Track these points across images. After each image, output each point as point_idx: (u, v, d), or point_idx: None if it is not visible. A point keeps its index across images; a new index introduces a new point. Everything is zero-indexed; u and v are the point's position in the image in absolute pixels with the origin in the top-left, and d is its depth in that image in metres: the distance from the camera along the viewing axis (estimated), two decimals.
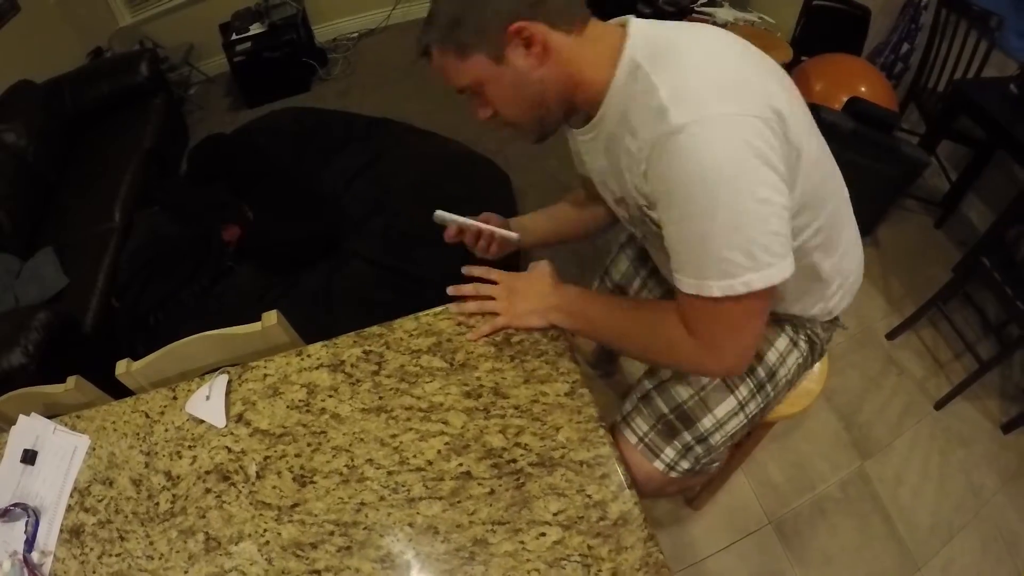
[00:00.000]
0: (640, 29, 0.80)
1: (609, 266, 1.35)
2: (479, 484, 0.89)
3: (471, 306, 1.05)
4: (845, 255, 0.96)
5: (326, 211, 2.05)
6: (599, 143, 0.89)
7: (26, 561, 0.93)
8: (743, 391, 1.02)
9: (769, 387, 1.05)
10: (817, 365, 1.23)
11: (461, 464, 0.91)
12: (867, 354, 2.14)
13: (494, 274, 1.06)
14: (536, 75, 0.80)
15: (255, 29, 3.04)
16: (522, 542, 0.84)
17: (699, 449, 1.02)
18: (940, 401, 2.01)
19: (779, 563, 1.72)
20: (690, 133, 0.68)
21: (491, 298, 1.04)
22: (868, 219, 2.31)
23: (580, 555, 0.83)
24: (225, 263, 1.96)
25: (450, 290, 1.06)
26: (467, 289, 1.05)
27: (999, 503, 1.84)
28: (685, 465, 1.03)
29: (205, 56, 3.44)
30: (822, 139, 0.86)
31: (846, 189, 0.94)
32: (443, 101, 2.93)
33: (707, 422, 1.02)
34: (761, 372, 1.03)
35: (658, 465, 1.03)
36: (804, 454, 1.91)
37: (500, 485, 0.89)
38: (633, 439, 1.04)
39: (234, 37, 3.05)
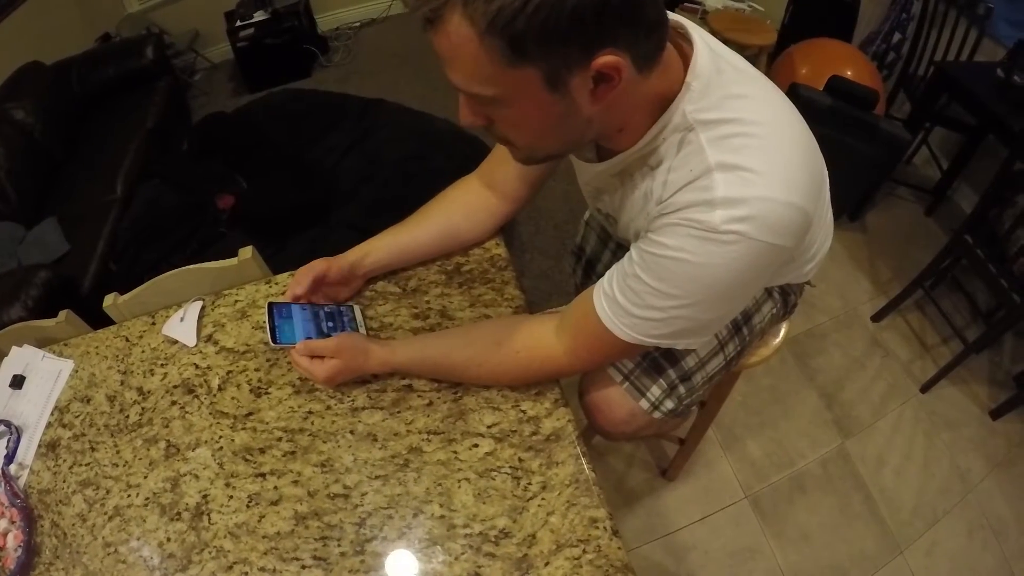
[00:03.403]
0: (702, 69, 0.67)
1: (582, 243, 1.37)
2: (419, 396, 0.92)
3: (299, 365, 0.92)
4: (818, 231, 0.93)
5: (317, 182, 2.10)
6: (606, 168, 0.80)
7: (4, 474, 0.97)
8: (722, 332, 1.01)
9: (745, 330, 1.04)
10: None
11: (404, 377, 0.94)
12: (851, 335, 2.13)
13: (320, 359, 0.91)
14: (586, 114, 0.64)
15: (258, 16, 3.13)
16: (455, 452, 0.86)
17: (682, 389, 1.00)
18: (926, 384, 2.00)
19: (755, 537, 1.71)
20: (723, 241, 0.64)
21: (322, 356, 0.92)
22: (853, 201, 2.31)
23: (511, 467, 0.84)
24: (218, 230, 2.02)
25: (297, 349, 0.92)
26: (303, 363, 0.91)
27: (986, 489, 1.83)
28: (669, 405, 1.00)
29: (210, 43, 3.51)
30: (812, 140, 0.74)
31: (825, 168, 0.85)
32: (438, 85, 2.98)
33: (690, 360, 0.99)
34: (738, 316, 1.02)
35: (643, 404, 0.99)
36: (783, 430, 1.90)
37: (439, 398, 0.91)
38: (618, 377, 0.99)
39: (238, 24, 3.14)
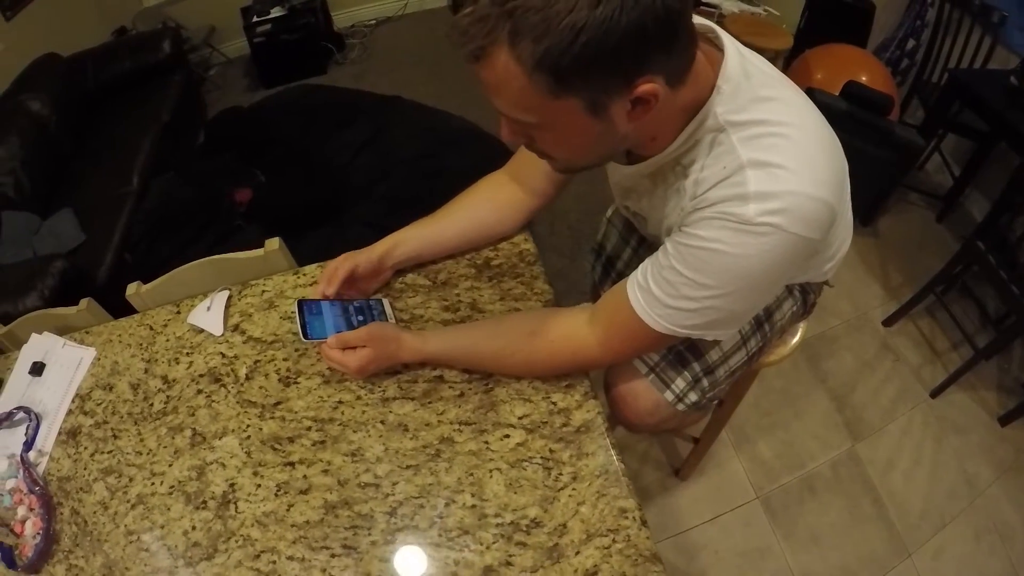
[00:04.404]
0: (731, 73, 0.69)
1: (603, 241, 1.38)
2: (450, 387, 0.93)
3: (332, 358, 0.93)
4: (841, 228, 0.95)
5: (332, 179, 2.11)
6: (639, 169, 0.83)
7: (22, 460, 0.96)
8: (745, 327, 1.03)
9: (767, 326, 1.06)
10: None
11: (435, 369, 0.95)
12: (862, 339, 2.14)
13: (351, 349, 0.92)
14: (622, 132, 0.67)
15: (275, 12, 3.15)
16: (487, 442, 0.87)
17: (706, 382, 1.02)
18: (936, 389, 2.01)
19: (765, 538, 1.72)
20: (757, 232, 0.67)
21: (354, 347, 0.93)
22: (866, 206, 2.33)
23: (542, 458, 0.85)
24: (234, 223, 2.04)
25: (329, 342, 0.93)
26: (334, 356, 0.92)
27: (994, 494, 1.83)
28: (693, 397, 1.01)
29: (226, 39, 3.53)
30: (836, 140, 0.77)
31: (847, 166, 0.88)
32: (454, 85, 3.00)
33: (714, 354, 1.02)
34: (761, 312, 1.04)
35: (668, 396, 1.01)
36: (795, 432, 1.91)
37: (470, 389, 0.92)
38: (644, 369, 1.01)
39: (255, 19, 3.15)
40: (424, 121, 2.20)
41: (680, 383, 1.01)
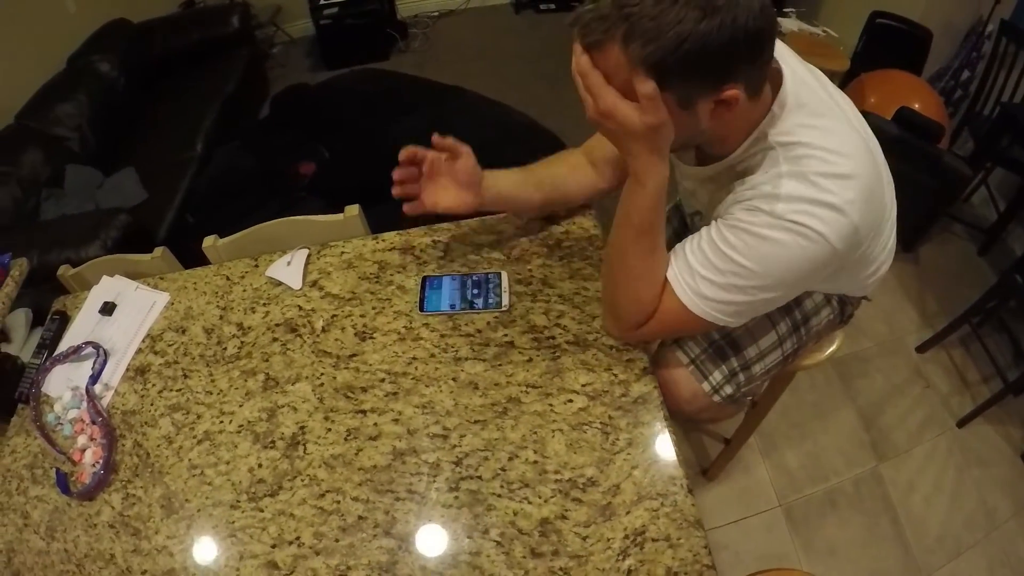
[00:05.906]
0: (785, 99, 0.78)
1: None
2: (520, 352, 1.00)
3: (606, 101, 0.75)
4: (878, 249, 1.00)
5: (394, 160, 2.18)
6: (703, 171, 0.92)
7: (87, 392, 1.02)
8: (782, 328, 1.10)
9: (803, 330, 1.12)
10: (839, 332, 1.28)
11: (506, 335, 1.02)
12: (895, 362, 2.16)
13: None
14: (703, 126, 0.76)
15: None
16: (551, 405, 0.94)
17: (742, 376, 1.09)
18: (963, 419, 2.02)
19: (784, 546, 1.75)
20: (782, 227, 0.76)
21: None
22: (909, 231, 2.35)
23: (601, 423, 0.91)
24: (298, 194, 2.11)
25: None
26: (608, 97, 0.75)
27: (1011, 529, 1.84)
28: (729, 390, 1.08)
29: (290, 18, 3.64)
30: (882, 159, 0.86)
31: (892, 186, 0.94)
32: (514, 82, 3.06)
33: (752, 351, 1.09)
34: (798, 315, 1.10)
35: (705, 387, 1.07)
36: (822, 445, 1.94)
37: (538, 355, 0.99)
38: (684, 359, 1.08)
39: (322, 2, 3.25)
40: (487, 113, 2.26)
41: (717, 376, 1.08)
